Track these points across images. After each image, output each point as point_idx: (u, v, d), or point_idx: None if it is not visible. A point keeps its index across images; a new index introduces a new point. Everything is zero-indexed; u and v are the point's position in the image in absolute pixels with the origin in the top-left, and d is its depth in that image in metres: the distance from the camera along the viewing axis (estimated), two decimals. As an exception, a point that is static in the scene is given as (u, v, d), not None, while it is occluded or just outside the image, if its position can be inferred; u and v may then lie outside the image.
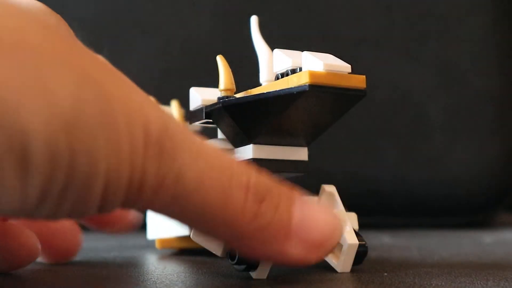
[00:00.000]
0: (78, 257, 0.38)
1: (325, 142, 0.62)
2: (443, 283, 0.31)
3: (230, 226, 0.27)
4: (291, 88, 0.31)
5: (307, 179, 0.61)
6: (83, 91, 0.24)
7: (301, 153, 0.35)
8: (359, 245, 0.33)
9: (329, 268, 0.33)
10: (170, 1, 0.60)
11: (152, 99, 0.27)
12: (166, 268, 0.35)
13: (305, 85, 0.31)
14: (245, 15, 0.62)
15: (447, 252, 0.44)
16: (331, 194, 0.34)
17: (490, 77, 0.63)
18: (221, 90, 0.34)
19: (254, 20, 0.36)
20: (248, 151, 0.34)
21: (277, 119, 0.32)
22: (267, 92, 0.32)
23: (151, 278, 0.32)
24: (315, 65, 0.32)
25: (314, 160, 0.62)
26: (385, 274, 0.33)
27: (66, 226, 0.36)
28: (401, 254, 0.44)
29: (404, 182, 0.61)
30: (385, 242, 0.51)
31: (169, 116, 0.27)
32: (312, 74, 0.31)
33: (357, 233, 0.33)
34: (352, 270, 0.34)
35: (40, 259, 0.36)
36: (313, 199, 0.31)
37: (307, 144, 0.34)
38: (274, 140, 0.34)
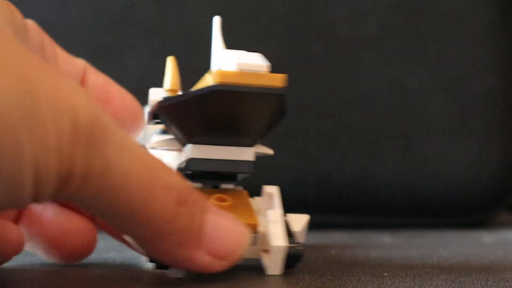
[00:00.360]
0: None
1: (325, 142, 0.62)
2: (443, 283, 0.31)
3: (149, 225, 0.28)
4: (203, 88, 0.31)
5: (307, 179, 0.61)
6: (3, 88, 0.24)
7: (245, 153, 0.34)
8: (291, 248, 0.32)
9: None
10: (170, 1, 0.60)
11: (85, 91, 0.27)
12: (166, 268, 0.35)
13: (215, 85, 0.31)
14: (245, 15, 0.62)
15: (447, 252, 0.44)
16: (270, 195, 0.34)
17: (490, 77, 0.63)
18: (166, 91, 0.34)
19: (217, 20, 0.36)
20: (188, 151, 0.34)
21: (201, 119, 0.32)
22: (184, 93, 0.32)
23: (151, 278, 0.32)
24: (229, 64, 0.31)
25: (314, 160, 0.63)
26: (385, 274, 0.33)
27: (81, 226, 0.36)
28: (401, 254, 0.44)
29: (404, 182, 0.61)
30: (385, 242, 0.51)
31: (101, 109, 0.27)
32: (222, 74, 0.31)
33: (291, 235, 0.33)
34: (350, 270, 0.34)
35: (51, 259, 0.36)
36: (224, 211, 0.31)
37: (253, 144, 0.34)
38: (214, 139, 0.34)
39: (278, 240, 0.32)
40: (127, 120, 0.38)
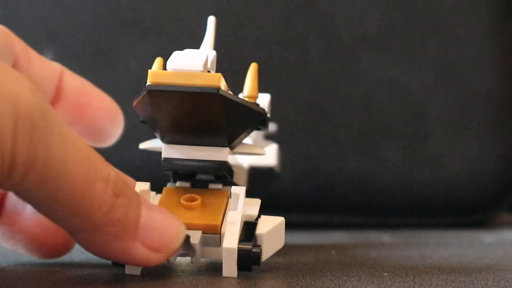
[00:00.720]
0: (78, 257, 0.38)
1: (325, 142, 0.62)
2: (443, 283, 0.31)
3: (89, 217, 0.28)
4: (144, 88, 0.31)
5: (307, 179, 0.61)
6: None
7: (217, 153, 0.34)
8: (243, 251, 0.32)
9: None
10: (170, 1, 0.60)
11: (28, 80, 0.27)
12: (166, 267, 0.35)
13: (147, 85, 0.31)
14: (245, 15, 0.62)
15: (447, 252, 0.44)
16: (235, 196, 0.33)
17: (490, 77, 0.63)
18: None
19: (212, 20, 0.36)
20: (162, 151, 0.34)
21: (155, 119, 0.32)
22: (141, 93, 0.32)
23: (151, 278, 0.32)
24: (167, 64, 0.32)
25: (314, 160, 0.63)
26: (385, 274, 0.33)
27: None
28: (401, 254, 0.44)
29: (404, 182, 0.61)
30: (385, 242, 0.51)
31: (44, 98, 0.27)
32: (152, 74, 0.31)
33: (250, 238, 0.32)
34: (350, 270, 0.34)
35: (33, 256, 0.36)
36: (158, 206, 0.32)
37: (227, 144, 0.34)
38: (185, 140, 0.34)
39: (229, 242, 0.32)
40: (107, 122, 0.38)
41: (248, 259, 0.32)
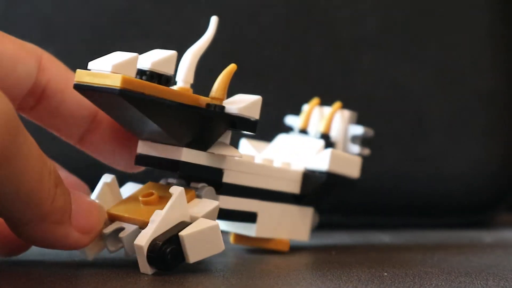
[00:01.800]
0: (78, 257, 0.37)
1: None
2: (443, 283, 0.31)
3: (38, 206, 0.31)
4: None
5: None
6: None
7: (175, 152, 0.35)
8: (154, 249, 0.32)
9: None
10: (170, 1, 0.60)
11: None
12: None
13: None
14: (245, 15, 0.62)
15: (447, 252, 0.44)
16: (173, 195, 0.34)
17: (490, 77, 0.63)
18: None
19: (214, 20, 0.37)
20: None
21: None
22: None
23: (150, 278, 0.32)
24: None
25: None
26: (385, 274, 0.33)
27: None
28: (401, 254, 0.44)
29: (404, 182, 0.61)
30: (385, 242, 0.51)
31: (11, 105, 0.29)
32: (77, 73, 0.33)
33: (170, 238, 0.33)
34: (350, 270, 0.34)
35: None
36: (79, 192, 0.34)
37: (181, 144, 0.35)
38: (154, 137, 0.35)
39: (140, 239, 0.33)
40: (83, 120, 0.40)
41: (158, 258, 0.32)
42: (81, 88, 0.33)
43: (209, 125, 0.35)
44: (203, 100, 0.35)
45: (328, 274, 0.33)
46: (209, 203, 0.35)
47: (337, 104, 0.44)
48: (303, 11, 0.61)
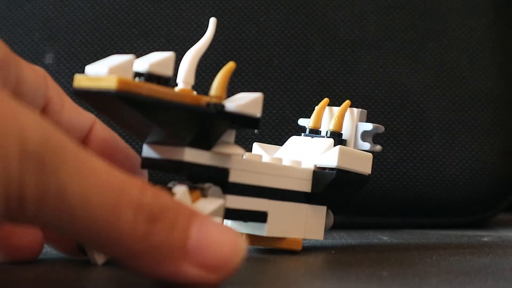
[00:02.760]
0: (78, 258, 0.38)
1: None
2: (442, 282, 0.31)
3: (119, 244, 0.27)
4: None
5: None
6: None
7: (179, 153, 0.35)
8: None
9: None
10: (170, 2, 0.60)
11: (35, 114, 0.27)
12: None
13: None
14: (245, 15, 0.62)
15: (447, 252, 0.44)
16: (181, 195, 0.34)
17: (490, 77, 0.63)
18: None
19: (213, 22, 0.37)
20: None
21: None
22: None
23: (150, 279, 0.32)
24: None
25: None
26: (385, 273, 0.33)
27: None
28: (401, 254, 0.44)
29: (404, 182, 0.61)
30: (385, 242, 0.51)
31: (54, 129, 0.27)
32: (75, 79, 0.32)
33: None
34: (350, 270, 0.34)
35: None
36: (215, 219, 0.31)
37: (182, 144, 0.35)
38: (157, 139, 0.35)
39: None
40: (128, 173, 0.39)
41: None
42: (79, 93, 0.32)
43: (209, 124, 0.35)
44: (202, 99, 0.35)
45: (327, 274, 0.33)
46: (213, 202, 0.35)
47: (346, 102, 0.44)
48: (303, 11, 0.62)
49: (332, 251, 0.43)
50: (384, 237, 0.53)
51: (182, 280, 0.29)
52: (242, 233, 0.40)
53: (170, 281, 0.29)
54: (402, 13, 0.63)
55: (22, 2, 0.58)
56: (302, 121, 0.46)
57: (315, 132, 0.44)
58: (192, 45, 0.37)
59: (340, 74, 0.61)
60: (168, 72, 0.34)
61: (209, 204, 0.35)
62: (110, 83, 0.31)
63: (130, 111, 0.32)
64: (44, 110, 0.35)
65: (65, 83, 0.56)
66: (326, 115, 0.45)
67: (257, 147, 0.44)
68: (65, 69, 0.57)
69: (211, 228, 0.29)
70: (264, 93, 0.38)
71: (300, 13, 0.61)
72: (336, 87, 0.61)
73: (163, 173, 0.36)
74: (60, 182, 0.26)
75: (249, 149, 0.42)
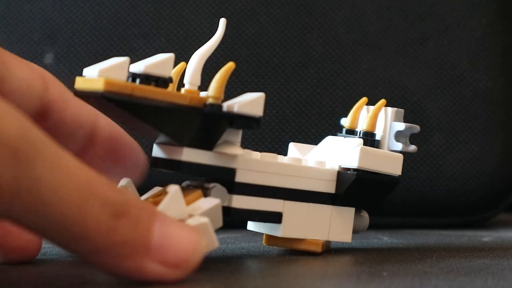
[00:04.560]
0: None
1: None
2: (442, 282, 0.31)
3: (85, 240, 0.28)
4: None
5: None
6: None
7: (177, 152, 0.35)
8: None
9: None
10: (170, 2, 0.60)
11: (11, 107, 0.27)
12: None
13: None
14: (245, 15, 0.62)
15: (447, 252, 0.44)
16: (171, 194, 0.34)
17: (490, 77, 0.63)
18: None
19: (223, 23, 0.37)
20: None
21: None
22: None
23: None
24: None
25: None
26: (385, 274, 0.33)
27: None
28: (401, 254, 0.44)
29: (404, 182, 0.61)
30: (385, 242, 0.51)
31: (30, 122, 0.27)
32: (76, 80, 0.33)
33: None
34: (350, 270, 0.34)
35: None
36: (175, 220, 0.31)
37: (181, 143, 0.35)
38: (161, 139, 0.35)
39: None
40: (133, 168, 0.39)
41: None
42: (80, 94, 0.33)
43: (207, 124, 0.35)
44: (201, 100, 0.35)
45: (327, 274, 0.33)
46: (208, 201, 0.35)
47: (381, 102, 0.43)
48: (303, 11, 0.62)
49: (332, 251, 0.43)
50: (384, 237, 0.53)
51: (143, 277, 0.29)
52: (260, 232, 0.40)
53: (130, 279, 0.29)
54: (402, 13, 0.63)
55: (22, 2, 0.58)
56: (343, 121, 0.45)
57: (351, 132, 0.43)
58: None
59: (340, 74, 0.61)
60: (167, 73, 0.34)
61: (203, 204, 0.34)
62: (99, 85, 0.32)
63: (120, 111, 0.32)
64: (48, 109, 0.36)
65: (65, 83, 0.56)
66: (363, 114, 0.44)
67: (292, 147, 0.43)
68: (65, 69, 0.57)
69: (173, 226, 0.30)
70: (264, 93, 0.38)
71: (300, 13, 0.61)
72: (336, 87, 0.61)
73: (173, 173, 0.36)
74: (35, 174, 0.26)
75: (252, 149, 0.42)
